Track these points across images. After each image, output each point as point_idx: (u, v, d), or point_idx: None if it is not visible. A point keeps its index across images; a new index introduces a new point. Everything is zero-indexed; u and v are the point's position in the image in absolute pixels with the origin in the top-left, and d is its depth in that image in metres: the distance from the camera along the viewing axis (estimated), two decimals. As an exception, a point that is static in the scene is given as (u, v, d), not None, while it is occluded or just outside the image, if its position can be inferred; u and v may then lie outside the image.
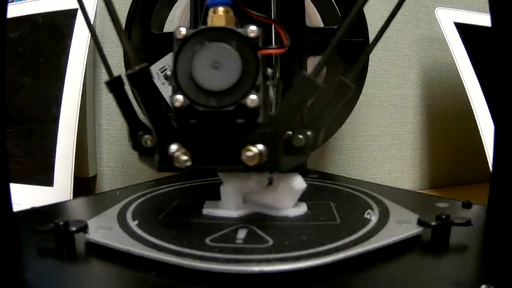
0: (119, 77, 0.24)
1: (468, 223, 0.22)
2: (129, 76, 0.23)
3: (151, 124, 0.23)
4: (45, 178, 0.43)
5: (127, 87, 0.24)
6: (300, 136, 0.23)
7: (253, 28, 0.22)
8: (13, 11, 0.48)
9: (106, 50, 0.54)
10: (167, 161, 0.22)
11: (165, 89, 0.44)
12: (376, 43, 0.23)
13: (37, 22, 0.48)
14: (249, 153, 0.22)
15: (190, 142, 0.22)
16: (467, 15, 0.51)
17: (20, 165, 0.46)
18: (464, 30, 0.49)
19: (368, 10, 0.45)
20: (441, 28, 0.48)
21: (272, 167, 0.23)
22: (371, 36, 0.46)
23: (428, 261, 0.21)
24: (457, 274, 0.20)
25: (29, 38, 0.48)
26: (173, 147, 0.22)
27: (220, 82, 0.22)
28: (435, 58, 0.57)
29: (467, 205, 0.28)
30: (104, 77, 0.53)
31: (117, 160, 0.54)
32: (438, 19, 0.49)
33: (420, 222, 0.23)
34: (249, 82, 0.22)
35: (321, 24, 0.45)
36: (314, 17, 0.45)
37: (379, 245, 0.21)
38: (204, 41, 0.22)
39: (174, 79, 0.22)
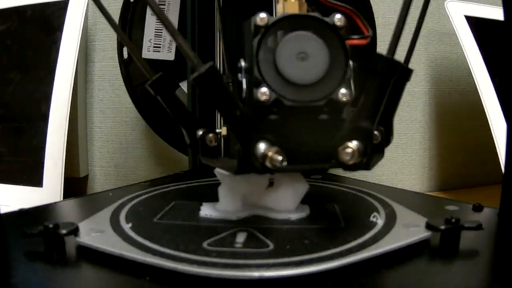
0: (163, 75, 0.24)
1: (479, 227, 0.22)
2: (196, 79, 0.21)
3: (229, 123, 0.22)
4: (34, 178, 0.43)
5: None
6: (376, 132, 0.23)
7: (339, 16, 0.21)
8: (1, 2, 0.48)
9: (99, 44, 0.55)
10: (250, 163, 0.21)
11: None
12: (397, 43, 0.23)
13: (25, 14, 0.48)
14: (348, 150, 0.21)
15: (281, 140, 0.21)
16: (479, 8, 0.51)
17: (8, 164, 0.46)
18: (475, 24, 0.49)
19: (375, 2, 0.45)
20: (451, 22, 0.48)
21: (365, 165, 0.22)
22: (378, 30, 0.46)
23: (437, 267, 0.21)
24: (467, 280, 0.20)
25: (17, 31, 0.48)
26: (262, 146, 0.21)
27: (309, 75, 0.21)
28: (445, 53, 0.57)
29: (477, 208, 0.28)
30: (97, 71, 0.53)
31: (109, 160, 0.54)
32: (448, 12, 0.49)
33: (428, 226, 0.23)
34: (338, 75, 0.21)
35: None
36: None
37: (386, 249, 0.21)
38: (288, 30, 0.21)
39: (257, 70, 0.21)
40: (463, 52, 0.47)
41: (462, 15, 0.49)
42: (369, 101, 0.22)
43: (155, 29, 0.45)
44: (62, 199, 0.42)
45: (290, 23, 0.21)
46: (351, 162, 0.21)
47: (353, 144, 0.21)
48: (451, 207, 0.28)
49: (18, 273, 0.20)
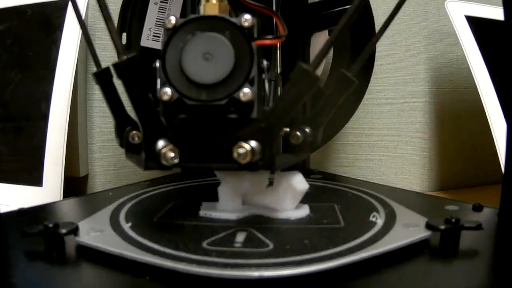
0: (108, 69, 0.24)
1: (478, 227, 0.22)
2: (115, 66, 0.22)
3: (138, 119, 0.23)
4: (34, 177, 0.43)
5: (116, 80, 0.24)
6: (298, 133, 0.23)
7: (247, 17, 0.22)
8: (0, 1, 0.48)
9: (99, 44, 0.55)
10: (155, 159, 0.22)
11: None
12: (381, 35, 0.23)
13: (25, 14, 0.48)
14: (241, 150, 0.21)
15: (178, 138, 0.22)
16: (479, 8, 0.51)
17: (8, 164, 0.46)
18: (476, 23, 0.49)
19: (374, 1, 0.45)
20: (452, 22, 0.48)
21: (266, 165, 0.22)
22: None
23: (437, 267, 0.21)
24: (467, 280, 0.20)
25: (17, 30, 0.48)
26: (160, 143, 0.22)
27: (212, 74, 0.21)
28: (445, 53, 0.57)
29: (477, 208, 0.28)
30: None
31: (109, 159, 0.54)
32: (448, 12, 0.49)
33: (428, 226, 0.23)
34: (242, 75, 0.22)
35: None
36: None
37: (385, 249, 0.21)
38: (195, 31, 0.22)
39: (162, 71, 0.22)
40: (463, 52, 0.47)
41: (462, 15, 0.49)
42: (279, 104, 0.22)
43: (157, 19, 0.45)
44: (62, 198, 0.42)
45: (198, 25, 0.22)
46: (244, 162, 0.21)
47: (249, 144, 0.21)
48: (451, 207, 0.28)
49: (18, 273, 0.20)
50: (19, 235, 0.22)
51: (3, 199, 0.43)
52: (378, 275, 0.20)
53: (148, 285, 0.19)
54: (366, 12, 0.43)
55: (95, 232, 0.23)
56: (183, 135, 0.22)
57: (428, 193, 0.54)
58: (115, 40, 0.23)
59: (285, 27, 0.25)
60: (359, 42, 0.43)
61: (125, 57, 0.22)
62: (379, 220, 0.25)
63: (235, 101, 0.22)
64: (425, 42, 0.56)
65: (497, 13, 0.50)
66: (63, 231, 0.22)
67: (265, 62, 0.23)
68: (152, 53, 0.45)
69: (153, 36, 0.44)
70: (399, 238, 0.22)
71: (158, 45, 0.44)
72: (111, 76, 0.24)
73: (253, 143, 0.22)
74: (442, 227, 0.22)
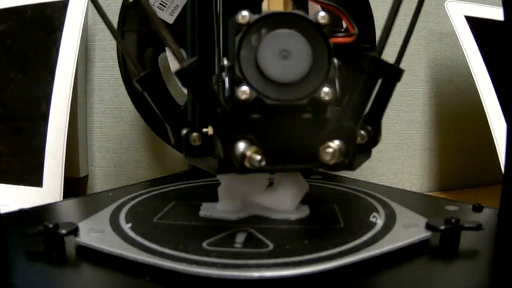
0: (150, 72, 0.23)
1: (478, 227, 0.22)
2: (179, 73, 0.20)
3: (210, 123, 0.22)
4: (34, 178, 0.43)
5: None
6: (363, 132, 0.22)
7: (323, 14, 0.21)
8: (0, 2, 0.48)
9: (99, 44, 0.54)
10: (231, 162, 0.21)
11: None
12: (385, 44, 0.23)
13: (26, 14, 0.48)
14: (329, 150, 0.21)
15: (261, 140, 0.21)
16: (479, 9, 0.51)
17: (8, 164, 0.46)
18: (476, 24, 0.49)
19: (376, 7, 0.45)
20: (451, 22, 0.48)
21: (348, 165, 0.22)
22: (378, 32, 0.46)
23: (437, 267, 0.21)
24: (467, 280, 0.20)
25: (17, 30, 0.48)
26: (241, 146, 0.21)
27: (291, 73, 0.21)
28: (445, 53, 0.57)
29: (477, 209, 0.28)
30: (97, 71, 0.53)
31: (109, 160, 0.54)
32: (448, 12, 0.49)
33: (428, 226, 0.23)
34: (321, 73, 0.21)
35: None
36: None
37: (385, 250, 0.21)
38: (270, 28, 0.21)
39: (238, 69, 0.21)
40: (463, 53, 0.47)
41: (462, 15, 0.49)
42: (353, 100, 0.22)
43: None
44: (62, 199, 0.42)
45: (273, 21, 0.21)
46: (332, 162, 0.21)
47: (335, 144, 0.21)
48: (451, 207, 0.28)
49: (18, 273, 0.20)
50: (19, 235, 0.22)
51: (3, 200, 0.43)
52: (378, 276, 0.20)
53: (148, 285, 0.19)
54: (366, 13, 0.43)
55: (95, 233, 0.23)
56: (266, 136, 0.21)
57: (428, 193, 0.54)
58: (173, 46, 0.21)
59: (355, 26, 0.24)
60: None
61: (187, 63, 0.20)
62: (379, 221, 0.25)
63: (313, 101, 0.21)
64: (425, 42, 0.56)
65: (497, 13, 0.50)
66: (63, 231, 0.22)
67: (335, 61, 0.23)
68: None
69: (160, 4, 0.44)
70: (399, 239, 0.22)
71: (160, 14, 0.43)
72: (155, 79, 0.24)
73: (338, 143, 0.21)
74: (442, 227, 0.22)
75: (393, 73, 0.23)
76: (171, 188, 0.35)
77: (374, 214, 0.26)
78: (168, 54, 0.45)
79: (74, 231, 0.22)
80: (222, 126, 0.21)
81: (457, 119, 0.58)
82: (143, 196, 0.32)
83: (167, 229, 0.25)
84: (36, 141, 0.44)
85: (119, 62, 0.45)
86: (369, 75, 0.22)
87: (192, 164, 0.23)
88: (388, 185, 0.38)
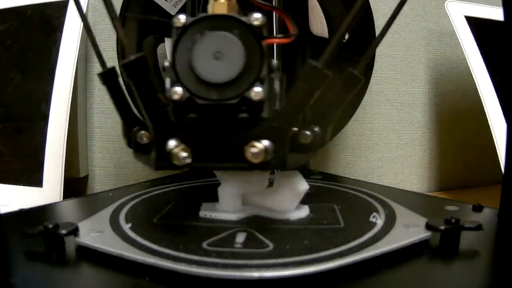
0: (113, 69, 0.24)
1: (478, 227, 0.22)
2: (124, 66, 0.22)
3: (148, 118, 0.23)
4: (34, 178, 0.43)
5: (121, 80, 0.24)
6: (307, 132, 0.23)
7: (257, 16, 0.21)
8: (1, 2, 0.48)
9: (99, 44, 0.54)
10: (165, 159, 0.22)
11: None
12: (383, 37, 0.23)
13: (26, 14, 0.48)
14: (253, 150, 0.21)
15: (190, 138, 0.22)
16: (479, 9, 0.51)
17: (8, 164, 0.46)
18: (476, 24, 0.49)
19: (375, 3, 0.45)
20: (451, 22, 0.48)
21: (278, 164, 0.22)
22: (378, 31, 0.46)
23: (437, 267, 0.21)
24: (467, 280, 0.20)
25: (17, 31, 0.48)
26: (171, 143, 0.22)
27: (222, 74, 0.21)
28: (445, 53, 0.57)
29: (477, 209, 0.28)
30: (97, 71, 0.53)
31: (110, 160, 0.54)
32: (448, 12, 0.49)
33: (428, 226, 0.23)
34: (253, 74, 0.21)
35: (326, 35, 0.44)
36: (321, 26, 0.44)
37: (385, 250, 0.21)
38: (205, 30, 0.22)
39: (172, 70, 0.22)
40: (463, 53, 0.47)
41: (462, 15, 0.49)
42: (290, 103, 0.22)
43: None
44: (62, 199, 0.42)
45: (208, 23, 0.22)
46: (256, 161, 0.21)
47: (261, 143, 0.21)
48: (451, 208, 0.28)
49: (18, 273, 0.20)
50: (19, 235, 0.22)
51: (3, 200, 0.43)
52: (378, 276, 0.20)
53: (148, 285, 0.19)
54: (366, 13, 0.43)
55: (95, 233, 0.23)
56: (194, 134, 0.22)
57: (428, 193, 0.54)
58: (123, 40, 0.23)
59: (295, 26, 0.24)
60: (359, 48, 0.43)
61: (133, 57, 0.22)
62: (379, 221, 0.25)
63: (246, 101, 0.22)
64: (425, 43, 0.56)
65: (497, 13, 0.50)
66: (63, 231, 0.22)
67: (274, 61, 0.23)
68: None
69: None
70: (399, 239, 0.22)
71: (163, 3, 0.43)
72: (117, 76, 0.24)
73: (266, 142, 0.21)
74: (442, 227, 0.22)
75: (351, 80, 0.23)
76: (171, 188, 0.35)
77: (374, 214, 0.26)
78: (167, 47, 0.45)
79: (74, 231, 0.22)
80: (157, 123, 0.22)
81: (457, 119, 0.58)
82: (143, 196, 0.32)
83: (167, 229, 0.25)
84: (36, 141, 0.44)
85: (118, 60, 0.45)
86: (308, 83, 0.22)
87: (138, 161, 0.24)
88: (388, 185, 0.38)
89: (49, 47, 0.46)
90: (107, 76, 0.24)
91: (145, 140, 0.23)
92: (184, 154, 0.21)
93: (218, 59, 0.21)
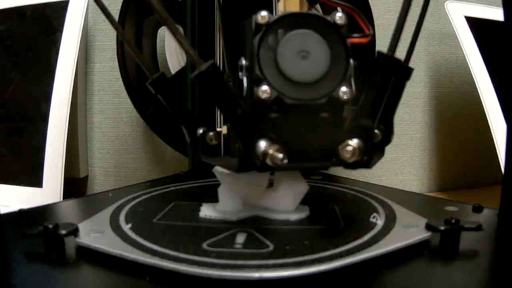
0: (162, 75, 0.24)
1: (478, 227, 0.22)
2: (197, 77, 0.20)
3: (229, 123, 0.22)
4: (34, 178, 0.43)
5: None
6: (376, 131, 0.23)
7: (340, 15, 0.21)
8: (1, 2, 0.48)
9: (99, 44, 0.54)
10: (256, 160, 0.21)
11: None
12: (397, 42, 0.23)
13: (25, 14, 0.48)
14: (349, 148, 0.21)
15: (282, 139, 0.21)
16: (479, 9, 0.51)
17: (8, 164, 0.46)
18: (476, 24, 0.49)
19: (376, 7, 0.45)
20: (451, 23, 0.48)
21: (366, 163, 0.22)
22: (377, 31, 0.46)
23: (437, 268, 0.21)
24: (467, 281, 0.20)
25: (17, 31, 0.48)
26: (263, 144, 0.21)
27: (310, 73, 0.21)
28: (445, 54, 0.57)
29: (477, 209, 0.28)
30: (97, 72, 0.53)
31: (109, 160, 0.54)
32: (448, 13, 0.49)
33: (428, 227, 0.23)
34: (339, 73, 0.21)
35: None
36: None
37: (385, 250, 0.21)
38: (289, 28, 0.21)
39: (258, 68, 0.21)
40: (463, 53, 0.47)
41: (462, 16, 0.49)
42: (369, 99, 0.22)
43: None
44: (62, 199, 0.42)
45: (291, 21, 0.21)
46: (351, 160, 0.21)
47: (354, 142, 0.21)
48: (451, 208, 0.28)
49: (18, 273, 0.20)
50: (19, 236, 0.22)
51: (3, 200, 0.43)
52: (378, 276, 0.20)
53: (148, 286, 0.19)
54: (366, 13, 0.43)
55: (95, 233, 0.23)
56: (286, 135, 0.22)
57: (428, 194, 0.54)
58: (190, 50, 0.21)
59: (370, 27, 0.24)
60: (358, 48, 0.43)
61: (205, 66, 0.21)
62: (379, 221, 0.25)
63: (331, 100, 0.21)
64: (425, 43, 0.56)
65: (497, 14, 0.50)
66: (63, 232, 0.22)
67: (351, 61, 0.23)
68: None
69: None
70: (399, 239, 0.22)
71: None
72: (168, 81, 0.24)
73: (356, 141, 0.21)
74: (442, 228, 0.22)
75: (404, 72, 0.23)
76: (171, 188, 0.35)
77: (374, 214, 0.26)
78: (168, 54, 0.45)
79: (74, 232, 0.22)
80: (242, 126, 0.21)
81: (457, 120, 0.58)
82: (143, 197, 0.32)
83: (167, 229, 0.25)
84: (36, 141, 0.44)
85: (118, 61, 0.45)
86: (383, 74, 0.22)
87: (209, 162, 0.24)
88: (388, 186, 0.38)
89: (49, 47, 0.46)
90: (158, 84, 0.24)
91: (214, 141, 0.23)
92: (280, 155, 0.21)
93: (304, 58, 0.21)
